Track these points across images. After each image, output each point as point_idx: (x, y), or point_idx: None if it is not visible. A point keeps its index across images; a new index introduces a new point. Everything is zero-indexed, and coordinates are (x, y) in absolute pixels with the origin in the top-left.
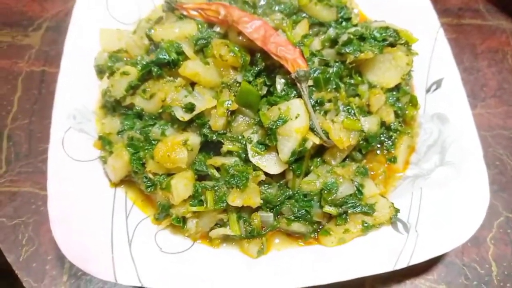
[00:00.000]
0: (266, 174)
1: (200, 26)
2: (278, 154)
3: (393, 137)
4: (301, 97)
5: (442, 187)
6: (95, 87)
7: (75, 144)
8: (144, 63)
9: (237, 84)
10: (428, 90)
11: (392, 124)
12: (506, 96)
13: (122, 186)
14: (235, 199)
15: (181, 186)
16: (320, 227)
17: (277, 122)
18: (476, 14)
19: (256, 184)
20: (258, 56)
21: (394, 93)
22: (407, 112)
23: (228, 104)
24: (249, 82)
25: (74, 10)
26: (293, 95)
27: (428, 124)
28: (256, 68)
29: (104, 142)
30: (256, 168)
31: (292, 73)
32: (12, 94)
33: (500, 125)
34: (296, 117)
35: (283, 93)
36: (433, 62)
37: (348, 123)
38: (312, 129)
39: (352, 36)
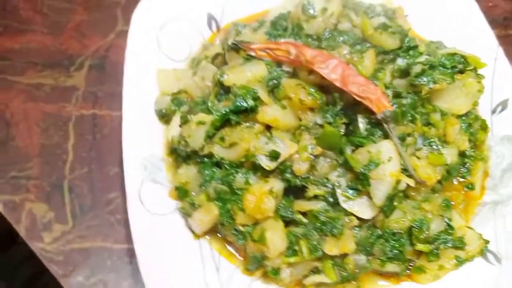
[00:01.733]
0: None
1: (269, 66)
2: (370, 198)
3: (467, 164)
4: (388, 138)
5: None
6: (159, 132)
7: (152, 198)
8: (222, 111)
9: (316, 126)
10: (493, 112)
11: (466, 151)
12: None
13: (206, 237)
14: (332, 248)
15: (277, 239)
16: (411, 264)
17: (369, 166)
18: None
19: (349, 229)
20: (336, 96)
21: (464, 118)
22: (477, 136)
23: (311, 149)
24: (329, 123)
25: (126, 51)
26: (378, 135)
27: (498, 147)
28: (335, 109)
29: (181, 192)
30: (347, 213)
31: (378, 114)
32: (65, 142)
33: None
34: (389, 160)
35: (366, 132)
36: (496, 82)
37: (433, 158)
38: (403, 169)
39: (425, 67)
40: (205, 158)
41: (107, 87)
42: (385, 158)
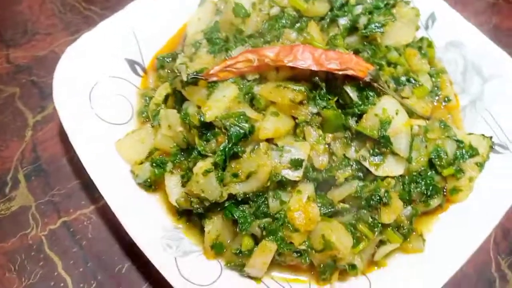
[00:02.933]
0: None
1: (235, 83)
2: (394, 154)
3: (435, 81)
4: (381, 94)
5: (503, 97)
6: (154, 203)
7: (193, 270)
8: (223, 148)
9: (315, 116)
10: (426, 27)
11: (429, 71)
12: None
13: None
14: (390, 216)
15: (343, 237)
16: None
17: (385, 127)
18: None
19: (390, 189)
20: (316, 79)
21: (412, 44)
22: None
23: (323, 139)
24: (324, 107)
25: (70, 139)
26: (371, 97)
27: (446, 55)
28: (321, 91)
29: (217, 248)
30: (382, 178)
31: (365, 77)
32: (53, 270)
33: None
34: (397, 113)
35: (359, 100)
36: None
37: (419, 91)
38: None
39: (368, 16)
40: (226, 202)
41: (61, 188)
42: (393, 113)
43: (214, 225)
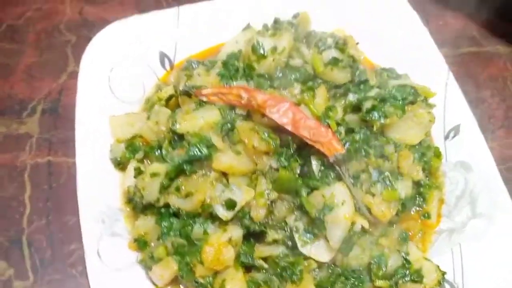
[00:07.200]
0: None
1: (221, 110)
2: (327, 240)
3: (423, 193)
4: (341, 180)
5: (480, 241)
6: (115, 180)
7: (112, 252)
8: (176, 162)
9: (272, 170)
10: (446, 137)
11: (421, 180)
12: None
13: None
14: None
15: None
16: None
17: (324, 211)
18: (472, 41)
19: (309, 273)
20: (289, 138)
21: (417, 147)
22: (431, 164)
23: (268, 194)
24: (284, 167)
25: (77, 96)
26: (332, 177)
27: (452, 173)
28: (289, 151)
29: (140, 244)
30: (306, 257)
31: (330, 157)
32: (21, 193)
33: None
34: (342, 204)
35: (320, 174)
36: (447, 108)
37: (387, 194)
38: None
39: (375, 103)
40: (162, 209)
41: (62, 133)
42: (339, 202)
43: (145, 222)
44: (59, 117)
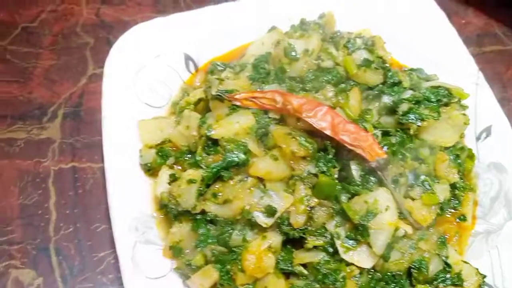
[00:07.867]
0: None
1: (256, 114)
2: (369, 246)
3: (458, 195)
4: (382, 185)
5: None
6: (146, 186)
7: (146, 260)
8: (213, 168)
9: (311, 175)
10: (478, 139)
11: (456, 182)
12: None
13: None
14: None
15: None
16: None
17: (368, 217)
18: (495, 40)
19: (350, 279)
20: (328, 143)
21: (451, 149)
22: (465, 166)
23: (307, 200)
24: (323, 172)
25: (103, 101)
26: (372, 182)
27: (486, 174)
28: (328, 156)
29: (176, 251)
30: (348, 263)
31: (372, 162)
32: (46, 200)
33: None
34: (386, 209)
35: (360, 180)
36: (479, 109)
37: (427, 198)
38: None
39: (411, 105)
40: (198, 215)
41: (85, 137)
42: (383, 208)
43: (180, 230)
44: (82, 121)
